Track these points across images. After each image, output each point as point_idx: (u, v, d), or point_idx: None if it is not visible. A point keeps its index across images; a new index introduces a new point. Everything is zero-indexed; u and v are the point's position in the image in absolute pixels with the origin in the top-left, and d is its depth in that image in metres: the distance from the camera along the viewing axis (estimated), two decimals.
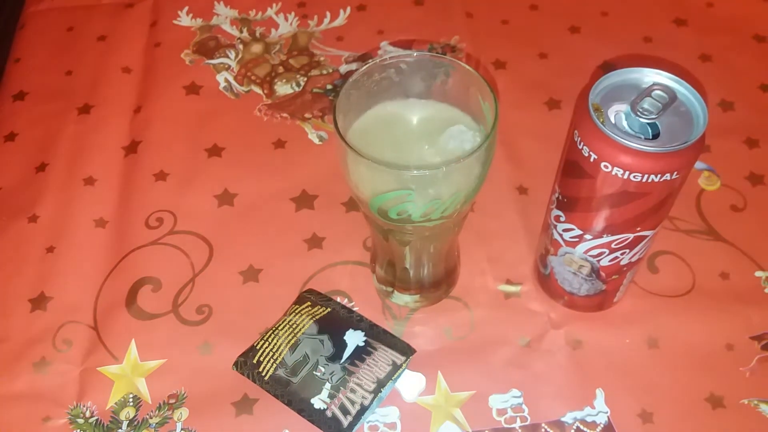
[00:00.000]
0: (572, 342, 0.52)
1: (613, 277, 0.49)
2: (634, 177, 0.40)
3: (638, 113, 0.40)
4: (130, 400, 0.51)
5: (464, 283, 0.56)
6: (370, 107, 0.46)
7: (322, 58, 0.72)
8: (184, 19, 0.77)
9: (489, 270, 0.57)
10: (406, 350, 0.51)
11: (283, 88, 0.70)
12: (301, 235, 0.59)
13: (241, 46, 0.74)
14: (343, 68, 0.71)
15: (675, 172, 0.40)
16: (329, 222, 0.60)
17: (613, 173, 0.40)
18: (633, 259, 0.47)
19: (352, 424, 0.47)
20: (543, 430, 0.49)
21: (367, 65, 0.44)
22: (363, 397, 0.48)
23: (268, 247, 0.58)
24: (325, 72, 0.71)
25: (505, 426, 0.49)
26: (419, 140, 0.45)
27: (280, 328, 0.52)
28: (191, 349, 0.53)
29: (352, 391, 0.48)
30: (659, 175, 0.40)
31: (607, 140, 0.39)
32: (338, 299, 0.55)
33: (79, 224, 0.60)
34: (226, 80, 0.71)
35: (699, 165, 0.62)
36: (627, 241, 0.45)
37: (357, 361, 0.49)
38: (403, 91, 0.46)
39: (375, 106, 0.46)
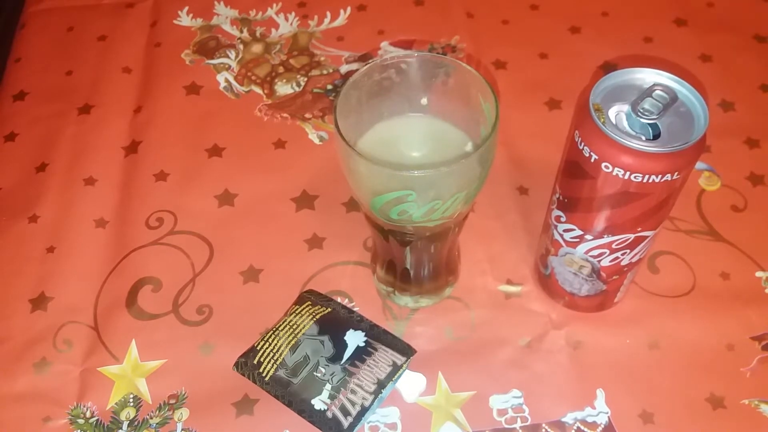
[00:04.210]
0: (573, 342, 0.52)
1: (614, 277, 0.49)
2: (634, 177, 0.40)
3: (639, 114, 0.40)
4: (131, 400, 0.51)
5: (465, 284, 0.56)
6: (373, 125, 0.46)
7: (322, 58, 0.72)
8: (185, 19, 0.77)
9: (489, 270, 0.57)
10: (407, 350, 0.51)
11: (283, 88, 0.70)
12: (301, 236, 0.59)
13: (241, 46, 0.74)
14: (344, 68, 0.71)
15: (676, 173, 0.40)
16: (330, 222, 0.60)
17: (614, 174, 0.40)
18: (634, 260, 0.47)
19: (352, 425, 0.47)
20: (543, 430, 0.49)
21: (367, 65, 0.44)
22: (363, 398, 0.48)
23: (269, 248, 0.58)
24: (325, 72, 0.71)
25: (506, 426, 0.49)
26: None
27: (280, 329, 0.52)
28: (192, 349, 0.53)
29: (353, 392, 0.48)
30: (660, 176, 0.40)
31: (607, 141, 0.39)
32: (338, 299, 0.55)
33: (79, 224, 0.60)
34: (227, 80, 0.71)
35: (699, 165, 0.62)
36: (628, 242, 0.45)
37: (357, 362, 0.49)
38: (405, 95, 0.46)
39: (377, 124, 0.46)
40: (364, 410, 0.48)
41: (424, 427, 0.49)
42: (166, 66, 0.73)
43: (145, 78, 0.72)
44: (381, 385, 0.49)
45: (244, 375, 0.51)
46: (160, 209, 0.61)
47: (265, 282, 0.57)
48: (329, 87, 0.70)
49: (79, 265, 0.58)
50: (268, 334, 0.52)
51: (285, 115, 0.68)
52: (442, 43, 0.73)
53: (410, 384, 0.51)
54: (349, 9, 0.77)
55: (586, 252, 0.47)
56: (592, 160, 0.41)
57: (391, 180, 0.40)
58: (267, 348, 0.51)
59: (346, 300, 0.55)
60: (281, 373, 0.49)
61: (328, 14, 0.76)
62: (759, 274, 0.55)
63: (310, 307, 0.53)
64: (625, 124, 0.41)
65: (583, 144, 0.41)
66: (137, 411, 0.50)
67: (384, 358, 0.50)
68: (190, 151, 0.65)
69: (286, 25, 0.76)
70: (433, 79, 0.46)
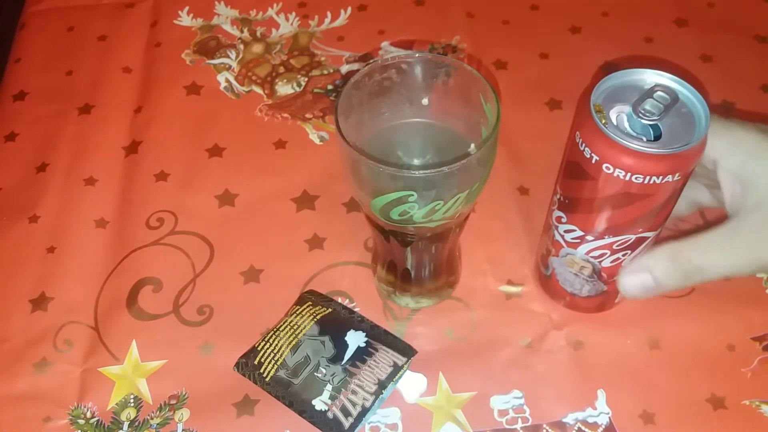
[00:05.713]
0: (573, 343, 0.52)
1: (615, 278, 0.49)
2: (635, 178, 0.40)
3: (640, 114, 0.40)
4: (131, 400, 0.51)
5: (465, 284, 0.56)
6: (373, 125, 0.46)
7: (322, 58, 0.72)
8: (185, 19, 0.77)
9: (490, 271, 0.57)
10: (407, 351, 0.51)
11: (283, 88, 0.70)
12: (302, 236, 0.59)
13: (241, 46, 0.74)
14: (344, 68, 0.71)
15: (677, 174, 0.40)
16: (330, 222, 0.60)
17: (615, 175, 0.40)
18: None
19: (353, 426, 0.47)
20: (544, 430, 0.49)
21: (368, 65, 0.44)
22: (364, 399, 0.48)
23: (269, 248, 0.58)
24: (325, 72, 0.71)
25: (507, 427, 0.49)
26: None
27: (281, 329, 0.51)
28: (192, 349, 0.53)
29: (354, 392, 0.48)
30: (661, 177, 0.40)
31: (608, 142, 0.39)
32: (339, 300, 0.55)
33: (79, 224, 0.60)
34: (227, 80, 0.71)
35: None
36: (629, 243, 0.45)
37: (358, 363, 0.49)
38: (405, 95, 0.46)
39: (378, 124, 0.46)
40: (364, 411, 0.48)
41: (424, 428, 0.49)
42: (166, 66, 0.72)
43: (146, 78, 0.72)
44: (382, 385, 0.49)
45: (244, 375, 0.51)
46: (160, 209, 0.61)
47: (265, 282, 0.57)
48: (330, 87, 0.70)
49: (79, 265, 0.58)
50: (269, 335, 0.52)
51: (285, 115, 0.68)
52: (443, 43, 0.73)
53: (411, 384, 0.51)
54: (349, 9, 0.77)
55: (587, 253, 0.47)
56: (593, 161, 0.41)
57: (391, 180, 0.40)
58: (268, 348, 0.51)
59: (347, 300, 0.55)
60: (282, 373, 0.49)
61: (329, 14, 0.76)
62: (760, 274, 0.55)
63: (311, 307, 0.53)
64: (626, 125, 0.41)
65: (584, 145, 0.41)
66: (138, 411, 0.50)
67: (385, 358, 0.50)
68: (190, 151, 0.65)
69: (287, 25, 0.76)
70: (434, 80, 0.46)
